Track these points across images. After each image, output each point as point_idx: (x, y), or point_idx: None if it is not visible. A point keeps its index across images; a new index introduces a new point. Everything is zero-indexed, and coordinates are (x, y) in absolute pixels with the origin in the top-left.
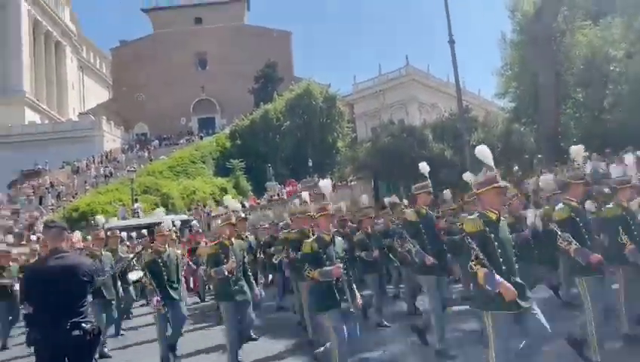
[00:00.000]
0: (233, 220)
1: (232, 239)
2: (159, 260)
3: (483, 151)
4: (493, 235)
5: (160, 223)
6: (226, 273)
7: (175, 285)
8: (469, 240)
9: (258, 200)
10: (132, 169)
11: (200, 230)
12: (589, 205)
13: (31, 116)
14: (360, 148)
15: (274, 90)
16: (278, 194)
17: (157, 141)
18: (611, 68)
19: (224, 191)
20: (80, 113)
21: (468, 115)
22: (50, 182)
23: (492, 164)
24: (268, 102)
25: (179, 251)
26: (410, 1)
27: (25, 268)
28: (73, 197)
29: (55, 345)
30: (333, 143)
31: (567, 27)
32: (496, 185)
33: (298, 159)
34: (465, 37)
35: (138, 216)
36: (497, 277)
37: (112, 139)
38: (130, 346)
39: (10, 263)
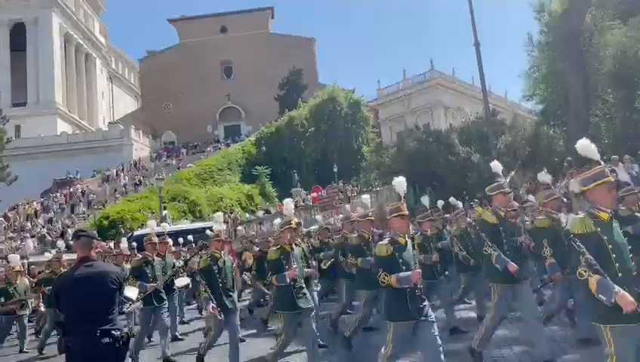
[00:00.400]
0: (294, 224)
1: (293, 245)
2: (215, 266)
3: (586, 146)
4: (606, 237)
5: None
6: (289, 280)
7: (230, 292)
8: (578, 243)
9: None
10: (160, 177)
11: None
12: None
13: (63, 126)
14: (385, 154)
15: (299, 97)
16: (304, 200)
17: (185, 149)
18: None
19: (250, 197)
20: (109, 123)
21: (495, 118)
22: (82, 191)
23: (598, 157)
24: (293, 109)
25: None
26: (434, 4)
27: (57, 276)
28: (104, 205)
29: (85, 352)
30: (358, 148)
31: (595, 27)
32: (606, 179)
33: (323, 165)
34: (490, 39)
35: (167, 224)
36: (613, 285)
37: (140, 147)
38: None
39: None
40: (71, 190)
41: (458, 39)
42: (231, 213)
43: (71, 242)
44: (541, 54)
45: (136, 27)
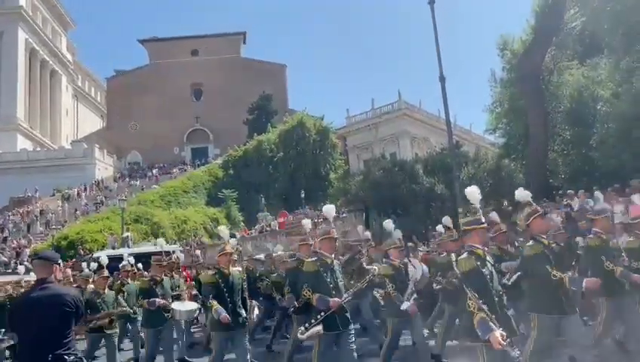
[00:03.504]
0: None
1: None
2: (222, 282)
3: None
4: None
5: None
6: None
7: (239, 310)
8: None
9: (249, 231)
10: (123, 198)
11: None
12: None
13: (23, 143)
14: (352, 181)
15: (268, 122)
16: (270, 225)
17: (156, 170)
18: (598, 107)
19: (216, 221)
20: (73, 141)
21: (458, 150)
22: (40, 210)
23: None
24: (262, 134)
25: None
26: (403, 38)
27: (13, 299)
28: (62, 226)
29: None
30: (325, 175)
31: (554, 66)
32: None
33: (291, 190)
34: (457, 73)
35: (128, 246)
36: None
37: (104, 167)
38: None
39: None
40: (28, 208)
41: (425, 72)
42: (195, 236)
43: (27, 264)
44: (504, 90)
45: (105, 46)
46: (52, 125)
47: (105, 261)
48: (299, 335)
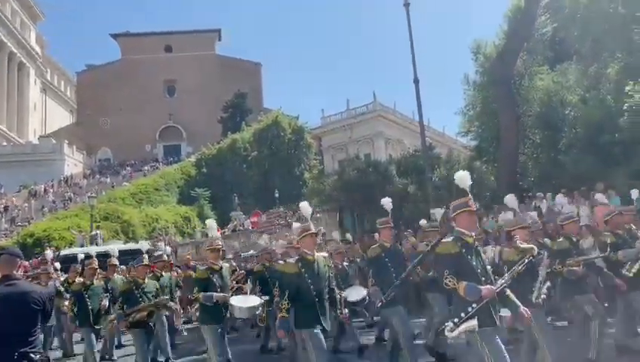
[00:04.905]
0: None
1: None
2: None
3: (462, 178)
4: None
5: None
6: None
7: (325, 303)
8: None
9: (222, 230)
10: (93, 195)
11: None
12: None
13: None
14: (326, 181)
15: (242, 120)
16: (243, 225)
17: (129, 168)
18: (567, 112)
19: (187, 219)
20: (41, 136)
21: (431, 151)
22: (5, 206)
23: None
24: (236, 132)
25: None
26: (378, 39)
27: None
28: (29, 222)
29: None
30: (300, 175)
31: (525, 71)
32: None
33: (265, 190)
34: (431, 76)
35: (97, 244)
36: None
37: (73, 163)
38: None
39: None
40: None
41: (400, 74)
42: (166, 234)
43: None
44: (476, 93)
45: (77, 40)
46: (19, 119)
47: (116, 253)
48: (447, 333)
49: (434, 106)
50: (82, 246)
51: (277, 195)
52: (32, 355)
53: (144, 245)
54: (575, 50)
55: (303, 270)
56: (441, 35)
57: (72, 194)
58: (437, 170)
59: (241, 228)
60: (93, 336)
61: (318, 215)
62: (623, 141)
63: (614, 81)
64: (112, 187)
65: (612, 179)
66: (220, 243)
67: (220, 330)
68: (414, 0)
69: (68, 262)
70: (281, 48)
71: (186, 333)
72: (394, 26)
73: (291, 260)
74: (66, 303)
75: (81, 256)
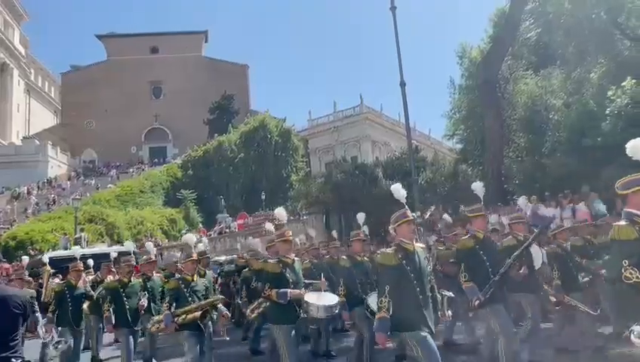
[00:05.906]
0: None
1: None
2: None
3: (397, 190)
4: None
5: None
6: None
7: (429, 296)
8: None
9: (208, 232)
10: (77, 197)
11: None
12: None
13: None
14: (313, 183)
15: (229, 122)
16: (229, 227)
17: (115, 170)
18: (550, 116)
19: (173, 222)
20: (24, 137)
21: (417, 154)
22: None
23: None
24: (223, 134)
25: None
26: (365, 42)
27: None
28: (11, 225)
29: None
30: (287, 177)
31: (510, 75)
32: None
33: (251, 192)
34: (417, 79)
35: (81, 246)
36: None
37: (57, 165)
38: None
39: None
40: None
41: (387, 77)
42: (151, 237)
43: None
44: (462, 97)
45: (61, 41)
46: (2, 121)
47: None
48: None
49: (420, 109)
50: (66, 248)
51: (264, 197)
52: (13, 360)
53: (130, 245)
54: (559, 55)
55: (404, 262)
56: (427, 39)
57: (55, 197)
58: (423, 173)
59: (227, 230)
60: (130, 338)
61: (305, 217)
62: (605, 145)
63: (597, 85)
64: (97, 189)
65: (595, 183)
66: (291, 233)
67: (294, 332)
68: (401, 3)
69: (59, 265)
70: (268, 50)
71: (227, 338)
72: (381, 29)
73: (389, 250)
74: (85, 306)
75: (114, 255)
